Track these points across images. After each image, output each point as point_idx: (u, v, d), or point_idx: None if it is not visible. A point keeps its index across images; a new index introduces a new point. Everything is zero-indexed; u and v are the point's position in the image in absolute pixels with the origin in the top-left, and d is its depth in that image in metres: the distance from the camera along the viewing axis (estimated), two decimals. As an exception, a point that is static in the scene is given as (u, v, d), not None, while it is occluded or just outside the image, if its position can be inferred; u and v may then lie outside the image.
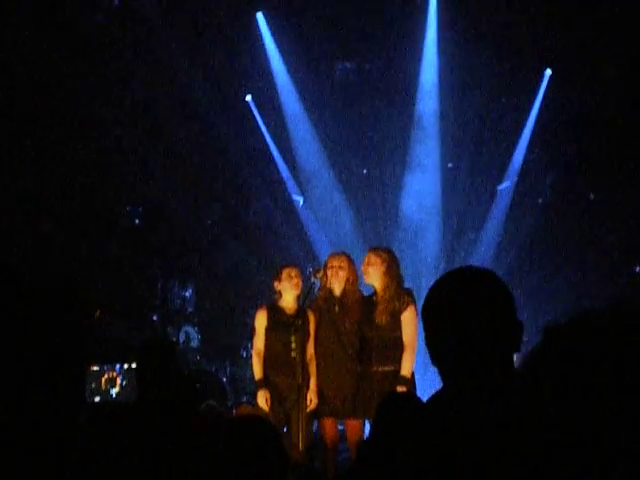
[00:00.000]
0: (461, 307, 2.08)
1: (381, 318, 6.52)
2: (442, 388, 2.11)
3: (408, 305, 6.50)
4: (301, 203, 12.43)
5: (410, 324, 6.49)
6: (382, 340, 6.52)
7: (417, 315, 6.53)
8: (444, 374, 2.10)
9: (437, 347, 2.12)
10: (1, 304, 1.28)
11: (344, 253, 6.93)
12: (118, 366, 8.65)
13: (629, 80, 10.86)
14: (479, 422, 1.93)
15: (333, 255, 6.90)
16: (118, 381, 8.57)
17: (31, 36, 9.79)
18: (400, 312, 6.49)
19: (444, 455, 1.94)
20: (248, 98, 12.01)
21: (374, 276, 6.61)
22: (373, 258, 6.67)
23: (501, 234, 12.12)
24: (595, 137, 11.54)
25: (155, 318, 11.35)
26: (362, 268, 6.70)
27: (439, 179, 11.93)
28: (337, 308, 6.67)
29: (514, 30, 10.98)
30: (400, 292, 6.58)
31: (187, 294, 11.35)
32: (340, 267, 6.68)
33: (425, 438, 2.01)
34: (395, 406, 3.86)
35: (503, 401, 1.96)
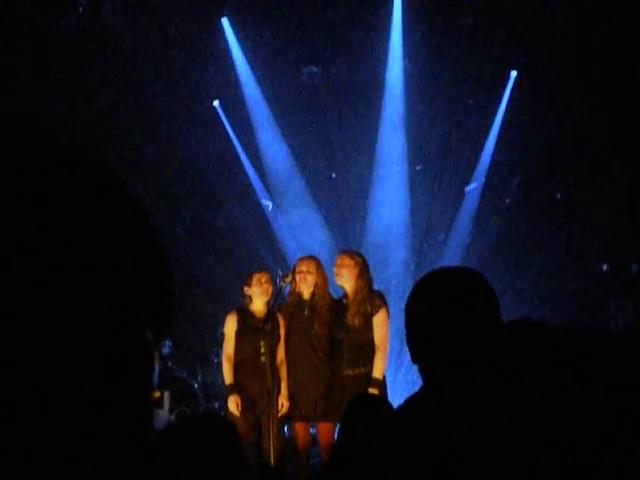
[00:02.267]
0: (444, 305, 2.09)
1: (353, 320, 6.52)
2: (422, 387, 2.11)
3: (380, 308, 6.52)
4: (270, 208, 12.43)
5: (382, 326, 6.51)
6: (353, 342, 6.53)
7: (388, 317, 6.56)
8: (425, 372, 2.10)
9: (419, 345, 2.12)
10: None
11: (312, 257, 6.92)
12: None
13: (594, 80, 10.96)
14: (460, 422, 1.94)
15: (301, 259, 6.89)
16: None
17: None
18: (372, 315, 6.51)
19: (423, 455, 1.94)
20: (215, 103, 11.99)
21: (346, 278, 6.61)
22: (347, 260, 6.67)
23: (469, 235, 12.20)
24: (561, 137, 11.65)
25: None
26: (334, 270, 6.69)
27: (407, 181, 11.98)
28: (307, 312, 6.67)
29: (479, 32, 11.05)
30: (371, 295, 6.60)
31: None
32: (308, 271, 6.67)
33: (404, 438, 2.01)
34: (364, 408, 3.87)
35: (485, 400, 1.97)
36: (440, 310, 2.09)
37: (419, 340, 2.13)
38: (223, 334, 6.79)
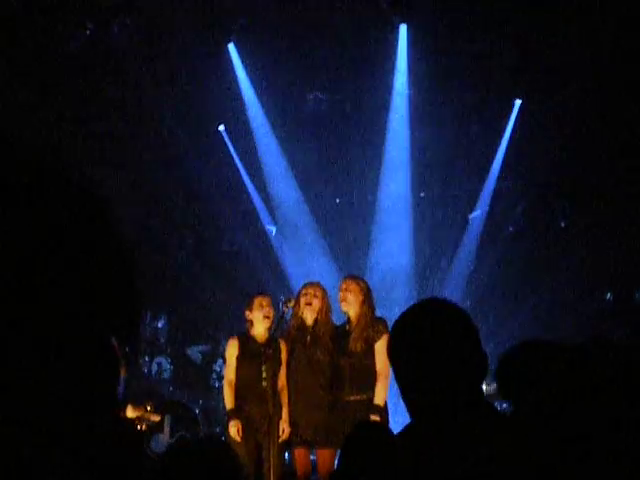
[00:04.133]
0: (425, 341, 2.09)
1: (355, 345, 6.52)
2: (412, 421, 2.11)
3: (382, 334, 6.51)
4: (274, 233, 12.44)
5: (384, 353, 6.47)
6: (355, 368, 6.52)
7: (389, 344, 6.54)
8: (412, 408, 2.10)
9: (404, 381, 2.12)
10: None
11: (318, 283, 6.93)
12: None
13: (598, 109, 10.99)
14: (450, 455, 1.93)
15: (307, 284, 6.90)
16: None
17: (2, 65, 9.76)
18: (374, 340, 6.50)
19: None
20: (221, 128, 12.03)
21: (351, 303, 6.62)
22: (352, 285, 6.68)
23: (473, 262, 12.20)
24: (565, 166, 11.66)
25: (127, 349, 11.25)
26: (339, 295, 6.70)
27: (411, 208, 11.99)
28: (309, 338, 6.66)
29: (484, 61, 11.10)
30: (374, 321, 6.60)
31: (159, 325, 11.27)
32: (315, 295, 6.68)
33: (396, 471, 2.01)
34: (365, 436, 3.85)
35: (473, 433, 1.96)
36: (421, 347, 2.09)
37: (404, 378, 2.13)
38: (225, 358, 6.78)
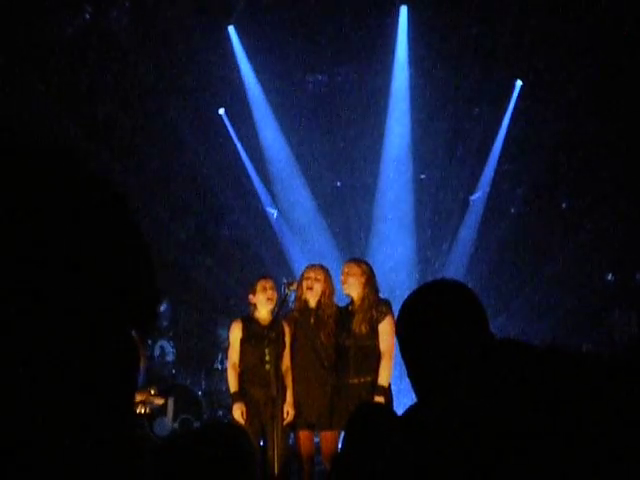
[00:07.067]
0: (434, 320, 2.10)
1: (360, 327, 6.53)
2: (418, 401, 2.11)
3: (386, 315, 6.52)
4: (275, 215, 12.43)
5: (388, 334, 6.50)
6: (359, 349, 6.53)
7: (394, 325, 6.55)
8: (418, 387, 2.11)
9: (411, 360, 2.13)
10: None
11: (321, 265, 6.91)
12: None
13: (599, 90, 10.97)
14: (455, 436, 1.94)
15: (310, 267, 6.88)
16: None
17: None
18: (378, 322, 6.51)
19: (420, 468, 1.95)
20: (221, 111, 12.01)
21: (354, 286, 6.62)
22: (354, 269, 6.68)
23: (474, 244, 12.19)
24: (566, 147, 11.65)
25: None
26: (342, 278, 6.69)
27: (411, 190, 11.98)
28: (313, 320, 6.66)
29: (484, 42, 11.07)
30: (377, 302, 6.60)
31: (162, 308, 11.29)
32: (316, 279, 6.67)
33: (402, 452, 2.02)
34: (368, 417, 3.86)
35: (478, 412, 1.97)
36: (431, 327, 2.10)
37: (412, 358, 2.14)
38: (228, 341, 6.79)
